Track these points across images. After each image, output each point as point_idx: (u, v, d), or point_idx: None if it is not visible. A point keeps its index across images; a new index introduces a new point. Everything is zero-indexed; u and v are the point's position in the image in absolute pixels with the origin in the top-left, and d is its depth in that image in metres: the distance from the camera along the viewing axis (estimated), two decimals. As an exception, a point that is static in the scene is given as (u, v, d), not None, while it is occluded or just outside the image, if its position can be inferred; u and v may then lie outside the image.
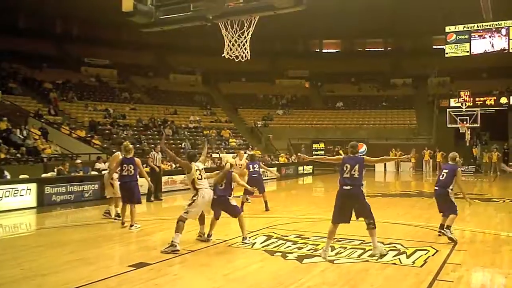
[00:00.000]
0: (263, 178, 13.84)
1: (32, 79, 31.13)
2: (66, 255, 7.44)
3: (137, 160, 9.70)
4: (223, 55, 6.61)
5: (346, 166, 6.93)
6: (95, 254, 7.45)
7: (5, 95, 25.20)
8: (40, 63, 33.95)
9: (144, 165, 17.59)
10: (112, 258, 7.14)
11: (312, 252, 7.25)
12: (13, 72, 30.75)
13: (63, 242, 8.41)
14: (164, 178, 17.12)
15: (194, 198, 7.75)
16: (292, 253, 7.25)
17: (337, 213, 6.91)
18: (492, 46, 27.43)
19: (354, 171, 6.88)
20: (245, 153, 16.43)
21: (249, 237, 8.14)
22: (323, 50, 48.83)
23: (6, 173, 14.07)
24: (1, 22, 34.31)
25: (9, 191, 12.73)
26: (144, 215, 12.45)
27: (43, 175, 15.15)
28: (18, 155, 18.16)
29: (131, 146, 9.75)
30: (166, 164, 19.32)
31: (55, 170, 15.22)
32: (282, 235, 8.62)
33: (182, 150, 27.23)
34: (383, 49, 47.72)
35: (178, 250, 7.28)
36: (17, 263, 6.83)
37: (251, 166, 12.70)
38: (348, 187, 6.85)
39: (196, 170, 7.87)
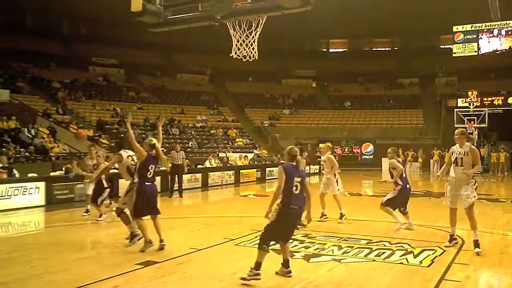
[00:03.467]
0: None
1: (40, 78, 31.36)
2: (75, 253, 7.50)
3: None
4: (231, 55, 6.62)
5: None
6: (103, 252, 7.50)
7: (13, 94, 25.38)
8: (48, 63, 34.16)
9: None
10: (120, 256, 7.18)
11: (319, 251, 7.27)
12: (22, 71, 30.98)
13: (71, 240, 8.47)
14: (187, 176, 17.27)
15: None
16: (299, 252, 7.27)
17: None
18: (500, 45, 27.28)
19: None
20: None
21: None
22: (330, 50, 48.80)
23: (15, 171, 14.18)
24: (9, 21, 34.61)
25: (18, 189, 12.84)
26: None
27: (51, 174, 15.26)
28: (27, 153, 18.31)
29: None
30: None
31: (63, 168, 15.31)
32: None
33: (189, 149, 27.33)
34: (390, 49, 47.62)
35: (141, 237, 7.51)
36: (26, 260, 6.89)
37: None
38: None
39: (128, 156, 7.81)
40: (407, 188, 9.11)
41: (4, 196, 12.46)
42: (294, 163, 5.81)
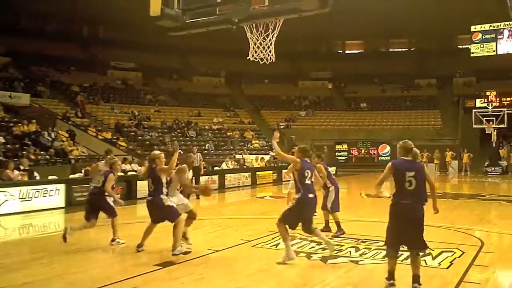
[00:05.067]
0: None
1: (60, 82, 31.82)
2: (94, 254, 7.62)
3: None
4: (248, 58, 6.65)
5: None
6: (123, 253, 7.60)
7: (34, 98, 25.82)
8: (68, 67, 34.65)
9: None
10: (139, 257, 7.27)
11: (336, 253, 7.26)
12: (42, 76, 31.46)
13: (91, 241, 8.59)
14: (204, 178, 17.41)
15: None
16: (317, 253, 7.28)
17: None
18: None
19: None
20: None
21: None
22: (346, 51, 48.57)
23: (35, 174, 14.44)
24: (30, 26, 35.20)
25: (39, 191, 13.06)
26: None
27: (71, 176, 15.48)
28: (47, 156, 18.60)
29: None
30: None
31: (83, 171, 15.52)
32: (306, 236, 8.62)
33: (206, 151, 27.47)
34: (407, 50, 47.20)
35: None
36: (47, 261, 7.01)
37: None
38: None
39: None
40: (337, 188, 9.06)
41: (25, 198, 12.69)
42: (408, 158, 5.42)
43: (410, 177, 5.28)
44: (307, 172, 6.75)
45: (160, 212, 7.22)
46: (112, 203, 8.30)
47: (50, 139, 20.40)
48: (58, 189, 13.53)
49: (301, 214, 6.75)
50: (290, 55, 39.38)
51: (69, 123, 24.53)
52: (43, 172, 15.34)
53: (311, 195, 6.75)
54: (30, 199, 12.81)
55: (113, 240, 8.16)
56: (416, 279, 5.33)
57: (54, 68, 33.24)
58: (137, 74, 39.25)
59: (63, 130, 22.55)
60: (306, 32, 37.45)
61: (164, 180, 7.29)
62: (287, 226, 6.73)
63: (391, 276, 5.38)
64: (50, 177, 14.52)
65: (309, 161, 6.99)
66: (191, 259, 6.94)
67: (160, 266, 6.59)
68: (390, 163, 5.54)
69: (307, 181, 6.75)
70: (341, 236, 8.52)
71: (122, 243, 8.12)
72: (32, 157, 17.54)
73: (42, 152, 18.75)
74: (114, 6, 31.19)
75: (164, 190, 7.27)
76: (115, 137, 25.64)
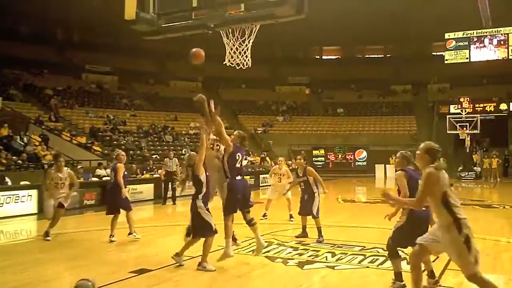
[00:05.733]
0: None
1: (33, 86, 31.20)
2: (68, 262, 7.47)
3: None
4: (224, 63, 6.64)
5: None
6: (97, 260, 7.47)
7: (6, 102, 25.24)
8: (41, 70, 34.03)
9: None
10: (113, 264, 7.15)
11: (312, 258, 7.27)
12: (14, 79, 30.83)
13: (64, 248, 8.43)
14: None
15: None
16: (293, 259, 7.28)
17: None
18: (492, 53, 27.56)
19: None
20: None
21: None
22: (323, 57, 48.96)
23: (7, 179, 14.12)
24: (2, 28, 34.46)
25: (10, 197, 12.77)
26: (146, 221, 12.48)
27: (44, 182, 15.19)
28: (19, 161, 18.20)
29: None
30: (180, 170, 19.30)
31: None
32: (282, 241, 8.65)
33: (182, 156, 27.25)
34: (383, 56, 47.84)
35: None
36: (19, 269, 6.85)
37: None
38: None
39: None
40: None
41: (-4, 204, 12.39)
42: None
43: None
44: (238, 156, 7.03)
45: (193, 219, 7.21)
46: (127, 197, 8.91)
47: (22, 143, 19.98)
48: (31, 195, 13.27)
49: (236, 197, 7.01)
50: (268, 60, 39.48)
51: (42, 127, 24.04)
52: (15, 177, 15.01)
53: (238, 177, 7.01)
54: (1, 205, 12.52)
55: (129, 233, 8.75)
56: (431, 274, 5.53)
57: (27, 71, 32.60)
58: (113, 78, 38.78)
59: (36, 135, 22.09)
60: (284, 38, 37.65)
61: (203, 179, 7.13)
62: (232, 218, 7.11)
63: (399, 277, 5.49)
64: (22, 183, 14.22)
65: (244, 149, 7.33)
66: (167, 266, 6.86)
67: (136, 273, 6.50)
68: (400, 172, 5.60)
69: (237, 165, 7.02)
70: (321, 242, 8.53)
71: (138, 238, 8.87)
72: (4, 161, 17.14)
73: (14, 157, 18.31)
74: (90, 9, 30.80)
75: (202, 191, 7.19)
76: (89, 141, 25.23)
